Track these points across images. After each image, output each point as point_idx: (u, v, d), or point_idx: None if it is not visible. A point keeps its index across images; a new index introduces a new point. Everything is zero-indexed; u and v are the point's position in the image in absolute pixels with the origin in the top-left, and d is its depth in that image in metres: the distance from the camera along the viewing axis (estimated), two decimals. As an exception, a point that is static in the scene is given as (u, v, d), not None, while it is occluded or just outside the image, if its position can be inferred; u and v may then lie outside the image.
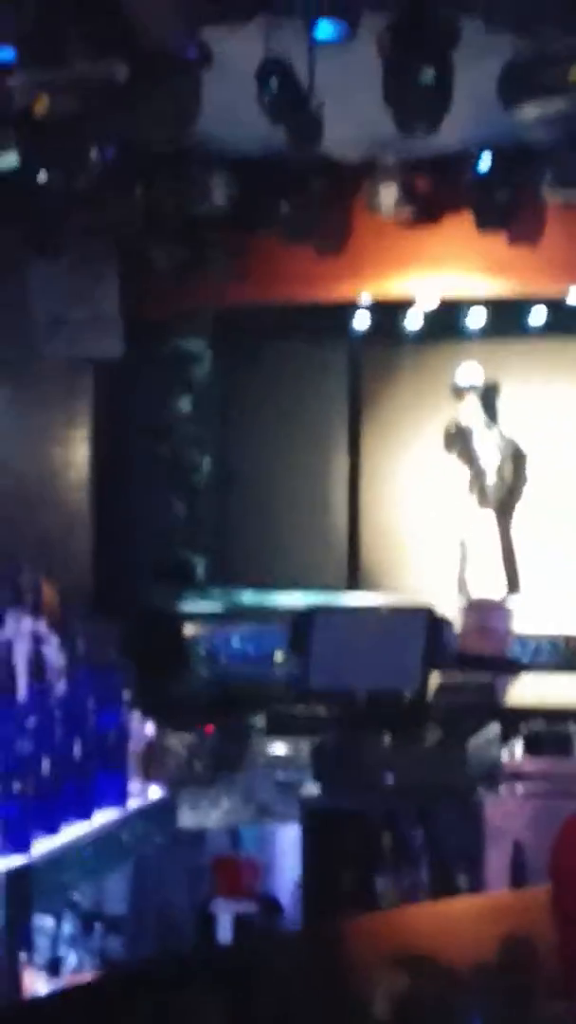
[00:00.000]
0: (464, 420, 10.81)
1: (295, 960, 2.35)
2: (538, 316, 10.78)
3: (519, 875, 5.91)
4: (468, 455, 10.80)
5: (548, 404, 11.23)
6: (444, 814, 5.98)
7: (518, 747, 6.62)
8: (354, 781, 5.83)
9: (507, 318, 10.81)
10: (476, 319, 10.82)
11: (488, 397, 10.91)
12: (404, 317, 10.88)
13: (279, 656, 8.38)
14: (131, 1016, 2.05)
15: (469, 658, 7.43)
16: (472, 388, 10.77)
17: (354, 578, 11.73)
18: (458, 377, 10.79)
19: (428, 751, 6.12)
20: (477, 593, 9.99)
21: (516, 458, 10.80)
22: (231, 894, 5.48)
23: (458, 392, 10.79)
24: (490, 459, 10.69)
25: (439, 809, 5.97)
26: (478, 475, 10.78)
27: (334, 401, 11.84)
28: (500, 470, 10.70)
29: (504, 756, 6.52)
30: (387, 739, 6.02)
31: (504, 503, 10.79)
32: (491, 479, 10.66)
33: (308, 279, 9.80)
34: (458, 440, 10.88)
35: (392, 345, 11.29)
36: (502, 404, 11.03)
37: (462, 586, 10.44)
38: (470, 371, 10.78)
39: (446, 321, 10.76)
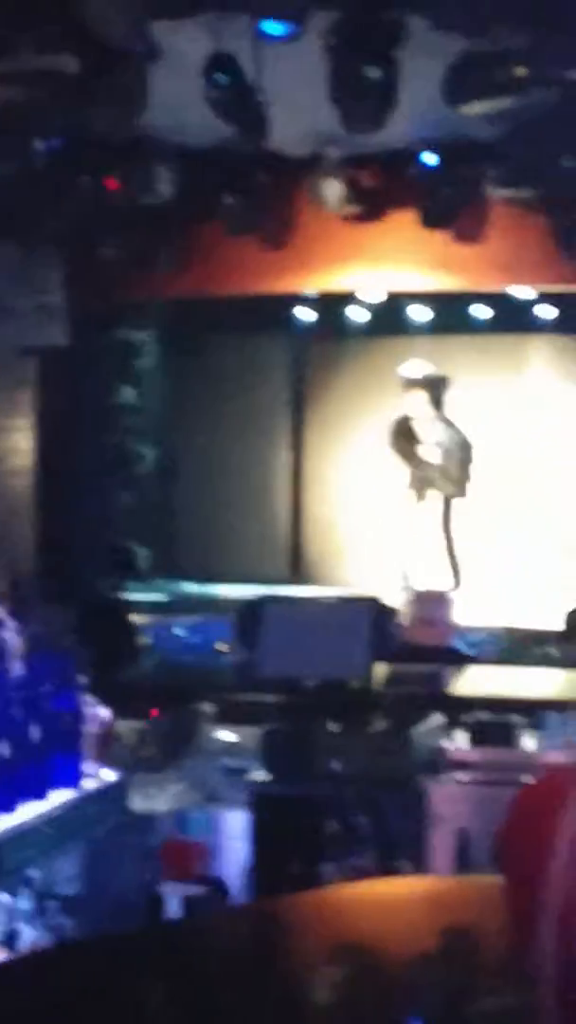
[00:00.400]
0: (411, 413, 10.92)
1: (232, 935, 2.42)
2: (481, 312, 10.97)
3: (462, 861, 6.06)
4: (413, 449, 10.92)
5: (491, 399, 11.40)
6: (389, 801, 6.10)
7: (461, 737, 6.78)
8: (301, 768, 5.95)
9: (451, 314, 10.97)
10: (420, 314, 10.98)
11: (436, 390, 11.01)
12: (348, 311, 11.03)
13: (222, 646, 8.51)
14: (75, 987, 2.16)
15: (414, 649, 7.59)
16: (421, 381, 10.88)
17: (296, 571, 11.85)
18: (407, 370, 10.89)
19: (374, 739, 6.23)
20: (420, 587, 9.94)
21: (463, 452, 10.91)
22: (179, 877, 5.60)
23: (407, 385, 10.90)
24: (436, 453, 10.83)
25: (384, 796, 6.09)
26: (423, 469, 10.95)
27: (278, 394, 11.93)
28: (445, 464, 10.86)
29: (448, 745, 6.66)
30: (334, 727, 6.14)
31: (449, 497, 10.89)
32: (436, 473, 10.84)
33: (253, 272, 9.87)
34: (403, 433, 10.98)
35: (336, 339, 11.43)
36: (447, 398, 11.21)
37: (405, 579, 10.48)
38: (419, 364, 10.87)
39: (390, 316, 10.92)
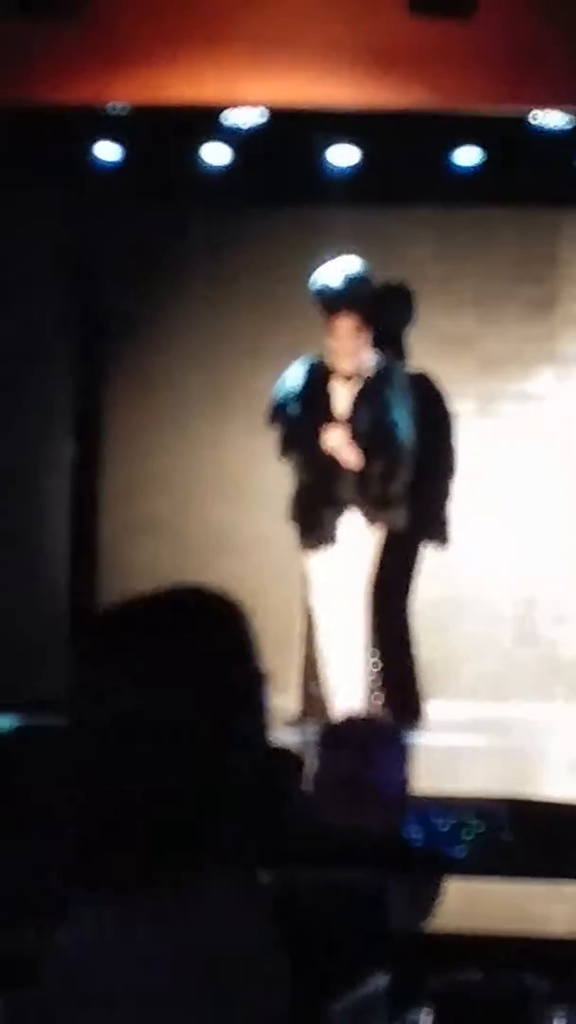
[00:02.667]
0: (334, 362, 11.20)
1: None
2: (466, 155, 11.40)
3: None
4: (316, 440, 11.20)
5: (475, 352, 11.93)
6: None
7: (425, 1024, 6.58)
8: None
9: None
10: (342, 157, 11.40)
11: (383, 313, 11.48)
12: (198, 147, 11.33)
13: None
14: None
15: (327, 838, 7.38)
16: (352, 296, 11.14)
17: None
18: (325, 275, 11.16)
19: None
20: (339, 708, 10.39)
21: (428, 434, 11.26)
22: None
23: (325, 305, 11.19)
24: (352, 442, 11.11)
25: None
26: (335, 480, 11.15)
27: (51, 332, 12.29)
28: (382, 464, 11.15)
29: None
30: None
31: (391, 528, 11.20)
32: (360, 484, 11.16)
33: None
34: (307, 406, 11.27)
35: (170, 209, 12.03)
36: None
37: (311, 689, 10.86)
38: (348, 264, 11.16)
39: (284, 157, 11.38)
